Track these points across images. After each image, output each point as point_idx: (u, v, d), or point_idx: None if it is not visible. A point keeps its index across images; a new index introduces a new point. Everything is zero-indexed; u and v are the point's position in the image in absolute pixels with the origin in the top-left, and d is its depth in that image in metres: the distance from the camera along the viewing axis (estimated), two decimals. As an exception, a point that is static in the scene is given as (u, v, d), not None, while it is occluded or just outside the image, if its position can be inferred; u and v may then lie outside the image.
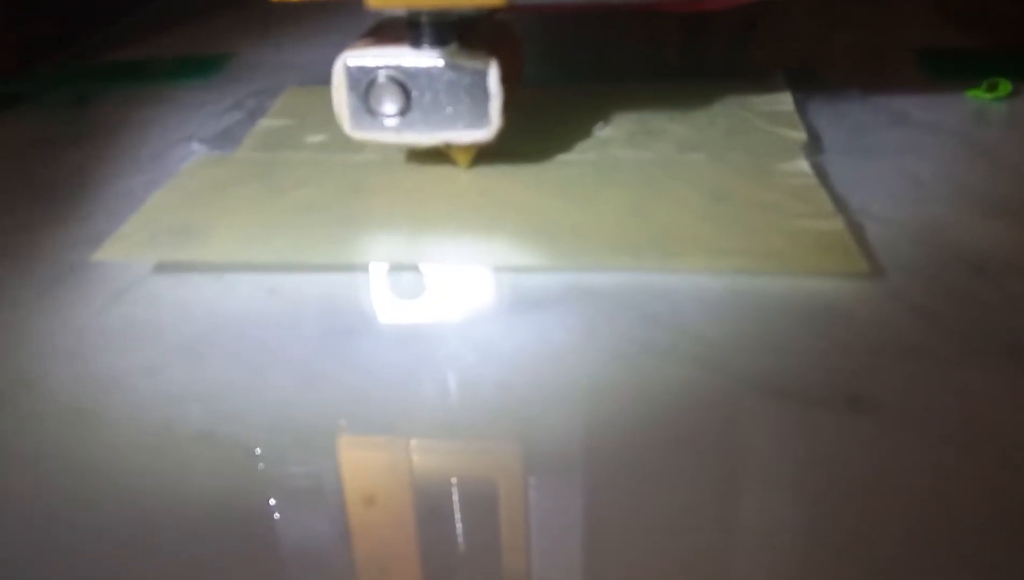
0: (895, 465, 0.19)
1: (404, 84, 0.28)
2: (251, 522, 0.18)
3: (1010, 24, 0.44)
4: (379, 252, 0.26)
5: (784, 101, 0.35)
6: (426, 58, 0.28)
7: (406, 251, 0.26)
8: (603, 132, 0.33)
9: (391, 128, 0.29)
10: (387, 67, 0.28)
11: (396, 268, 0.26)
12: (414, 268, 0.26)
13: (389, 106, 0.28)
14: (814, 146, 0.32)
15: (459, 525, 0.18)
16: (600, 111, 0.34)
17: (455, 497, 0.19)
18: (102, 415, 0.21)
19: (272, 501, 0.19)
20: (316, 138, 0.34)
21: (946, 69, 0.39)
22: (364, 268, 0.26)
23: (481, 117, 0.28)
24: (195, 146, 0.34)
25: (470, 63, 0.28)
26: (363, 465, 0.20)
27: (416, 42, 0.28)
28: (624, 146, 0.32)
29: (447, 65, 0.28)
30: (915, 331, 0.22)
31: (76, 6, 0.49)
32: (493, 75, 0.28)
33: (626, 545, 0.17)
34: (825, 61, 0.42)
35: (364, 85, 0.28)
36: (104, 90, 0.42)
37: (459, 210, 0.28)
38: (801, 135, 0.32)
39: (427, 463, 0.20)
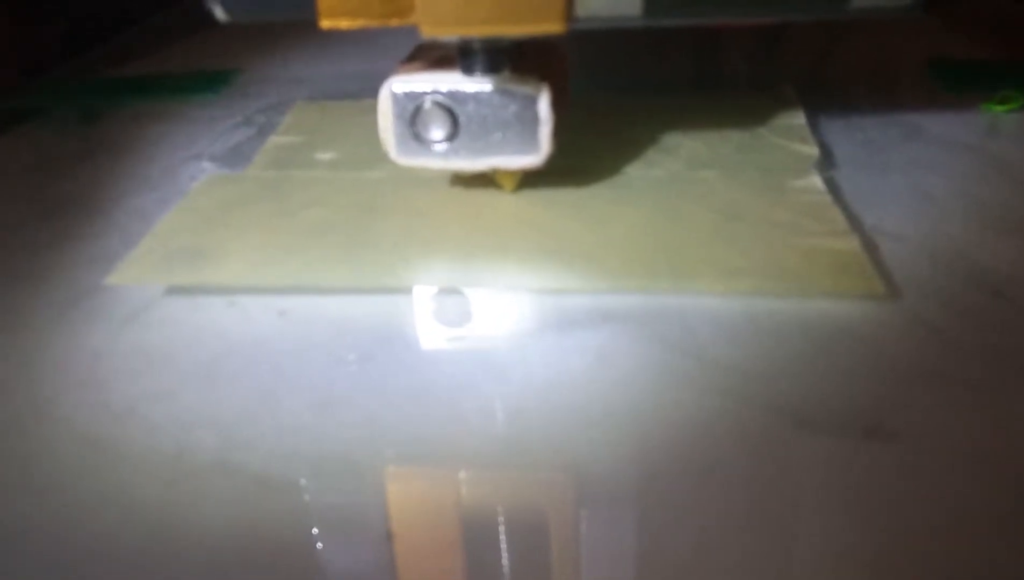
0: (916, 493, 0.18)
1: (452, 109, 0.28)
2: (267, 553, 0.18)
3: (1020, 34, 0.44)
4: (390, 275, 0.26)
5: (795, 115, 0.35)
6: (474, 83, 0.27)
7: (417, 274, 0.26)
8: (615, 148, 0.32)
9: (438, 154, 0.28)
10: (434, 92, 0.28)
11: (408, 291, 0.26)
12: (426, 291, 0.26)
13: (436, 132, 0.28)
14: (826, 161, 0.32)
15: (477, 553, 0.18)
16: (612, 124, 0.34)
17: (471, 525, 0.19)
18: (116, 443, 0.21)
19: (288, 531, 0.18)
20: (326, 155, 0.33)
21: (957, 81, 0.39)
22: (376, 291, 0.26)
23: (530, 143, 0.28)
24: (205, 164, 0.34)
25: (520, 88, 0.27)
26: (380, 493, 0.20)
27: (468, 69, 0.27)
28: (636, 163, 0.31)
29: (496, 90, 0.27)
30: (933, 354, 0.22)
31: (80, 20, 0.49)
32: (544, 101, 0.27)
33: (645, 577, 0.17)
34: (835, 73, 0.42)
35: (411, 111, 0.28)
36: (112, 106, 0.42)
37: (470, 231, 0.28)
38: (813, 150, 0.32)
39: (444, 491, 0.20)
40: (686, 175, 0.30)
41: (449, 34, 0.25)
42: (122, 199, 0.32)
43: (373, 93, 0.40)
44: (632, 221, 0.28)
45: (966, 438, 0.20)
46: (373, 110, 0.37)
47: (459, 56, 0.27)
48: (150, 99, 0.42)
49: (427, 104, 0.28)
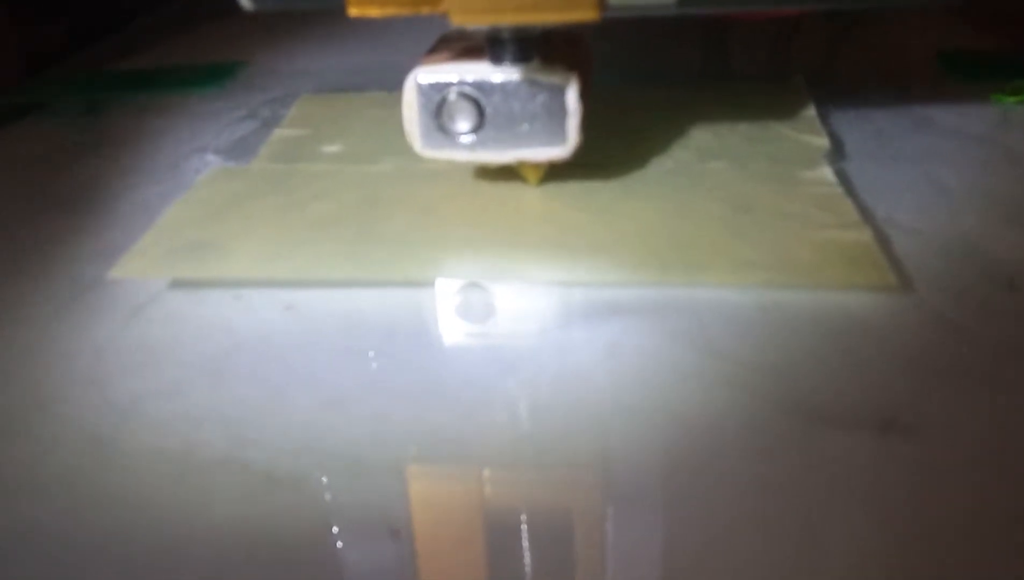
0: (931, 488, 0.18)
1: (478, 100, 0.27)
2: (276, 550, 0.18)
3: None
4: (397, 269, 0.26)
5: (805, 106, 0.34)
6: (501, 73, 0.27)
7: (425, 268, 0.26)
8: (623, 139, 0.32)
9: (464, 146, 0.28)
10: (460, 83, 0.27)
11: (416, 285, 0.26)
12: (432, 284, 0.26)
13: (462, 123, 0.27)
14: (837, 152, 0.31)
15: (487, 550, 0.18)
16: (620, 116, 0.34)
17: (482, 522, 0.18)
18: (121, 440, 0.20)
19: (297, 529, 0.18)
20: (332, 148, 0.33)
21: (968, 72, 0.39)
22: (383, 285, 0.26)
23: (558, 134, 0.27)
24: (210, 157, 0.34)
25: (548, 79, 0.27)
26: (390, 490, 0.19)
27: (497, 59, 0.27)
28: (645, 154, 0.31)
29: (523, 80, 0.27)
30: (947, 348, 0.22)
31: (84, 13, 0.49)
32: (572, 92, 0.27)
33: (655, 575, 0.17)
34: (845, 64, 0.42)
35: (436, 102, 0.27)
36: (116, 99, 0.41)
37: (478, 224, 0.28)
38: (824, 141, 0.31)
39: (454, 487, 0.19)
40: (696, 167, 0.30)
41: (480, 23, 0.25)
42: (125, 193, 0.32)
43: (379, 86, 0.40)
44: (641, 213, 0.28)
45: (982, 433, 0.19)
46: (380, 103, 0.37)
47: (487, 46, 0.27)
48: (154, 92, 0.42)
49: (452, 95, 0.27)
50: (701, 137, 0.32)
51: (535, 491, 0.19)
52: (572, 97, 0.27)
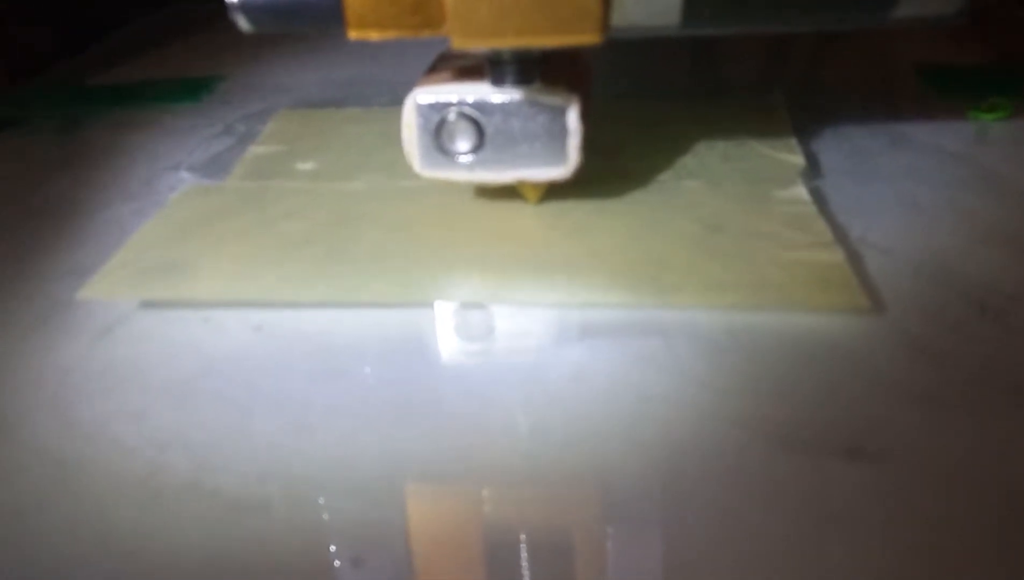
0: (899, 515, 0.18)
1: (477, 121, 0.27)
2: (241, 578, 0.18)
3: (1013, 39, 0.44)
4: (367, 289, 0.26)
5: (782, 123, 0.34)
6: (501, 93, 0.27)
7: (394, 288, 0.26)
8: (599, 156, 0.32)
9: (464, 166, 0.28)
10: (460, 103, 0.27)
11: (384, 306, 0.25)
12: (402, 305, 0.25)
13: (462, 144, 0.27)
14: (813, 170, 0.31)
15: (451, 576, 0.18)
16: (596, 132, 0.34)
17: (447, 550, 0.18)
18: (85, 465, 0.20)
19: (263, 555, 0.18)
20: (306, 166, 0.33)
21: (947, 86, 0.39)
22: (353, 306, 0.25)
23: (558, 155, 0.27)
24: (184, 174, 0.34)
25: (549, 99, 0.27)
26: (357, 516, 0.19)
27: (499, 81, 0.27)
28: (622, 170, 0.31)
29: (523, 101, 0.27)
30: (918, 372, 0.22)
31: (63, 26, 0.49)
32: (573, 113, 0.27)
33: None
34: (824, 79, 0.42)
35: (435, 123, 0.27)
36: (94, 113, 0.41)
37: (450, 243, 0.27)
38: (799, 159, 0.31)
39: (421, 512, 0.19)
40: (671, 185, 0.30)
41: (482, 46, 0.25)
42: (99, 210, 0.32)
43: (358, 101, 0.40)
44: (614, 232, 0.27)
45: (951, 458, 0.19)
46: (357, 119, 0.37)
47: (489, 67, 0.27)
48: (131, 107, 0.42)
49: (452, 115, 0.27)
50: (678, 154, 0.32)
51: (503, 514, 0.19)
52: (573, 118, 0.27)
